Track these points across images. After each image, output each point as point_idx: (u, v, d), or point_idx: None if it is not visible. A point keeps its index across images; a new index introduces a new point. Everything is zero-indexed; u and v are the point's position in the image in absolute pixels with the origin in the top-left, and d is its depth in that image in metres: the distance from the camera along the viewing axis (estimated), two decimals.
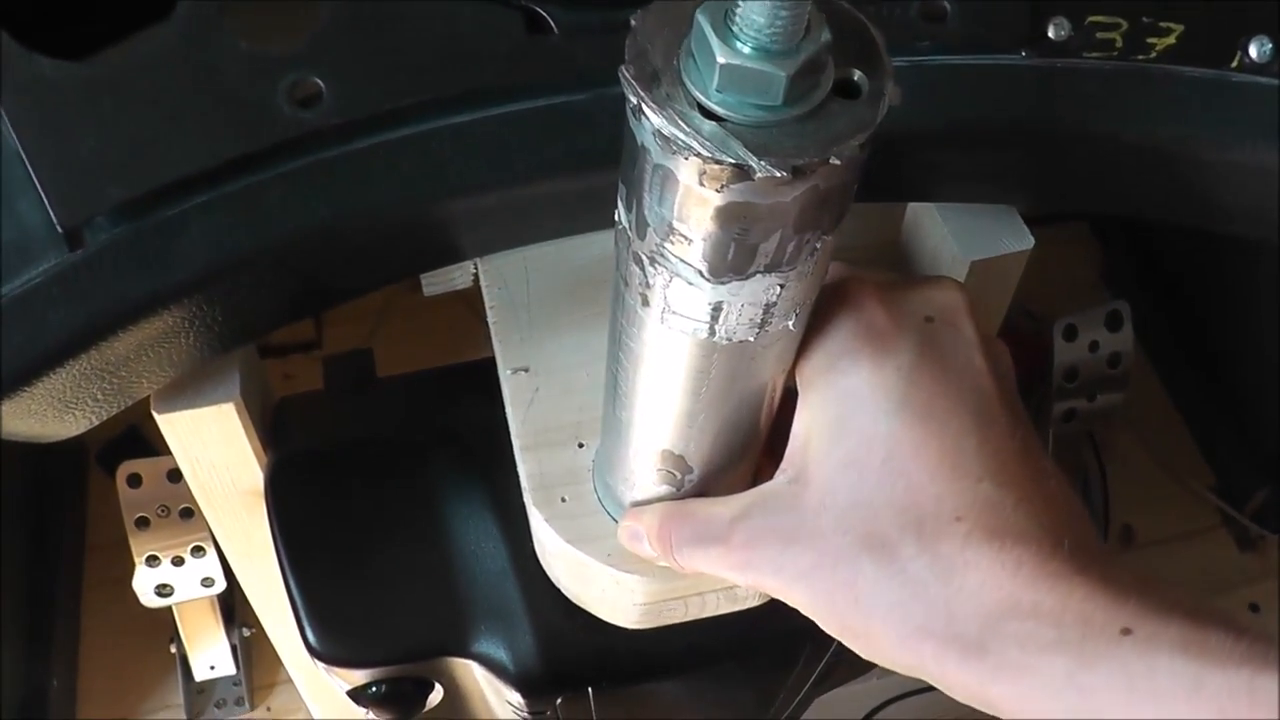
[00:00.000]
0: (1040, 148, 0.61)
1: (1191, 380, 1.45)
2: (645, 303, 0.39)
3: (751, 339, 0.39)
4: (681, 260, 0.35)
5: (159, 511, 1.05)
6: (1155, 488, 1.39)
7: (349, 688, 0.61)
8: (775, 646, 0.62)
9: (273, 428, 0.67)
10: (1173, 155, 0.63)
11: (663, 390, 0.43)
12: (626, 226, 0.37)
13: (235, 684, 1.19)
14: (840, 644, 0.65)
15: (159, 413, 0.62)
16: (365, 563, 0.61)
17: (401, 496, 0.62)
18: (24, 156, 0.49)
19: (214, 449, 0.64)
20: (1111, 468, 1.39)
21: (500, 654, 0.58)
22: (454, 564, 0.60)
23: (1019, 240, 0.72)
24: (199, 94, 0.49)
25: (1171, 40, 0.60)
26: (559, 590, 0.58)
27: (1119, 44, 0.60)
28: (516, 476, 0.61)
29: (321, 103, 0.50)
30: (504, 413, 0.62)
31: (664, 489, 0.50)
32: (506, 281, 0.62)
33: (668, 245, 0.35)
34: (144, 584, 1.06)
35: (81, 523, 1.30)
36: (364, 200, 0.52)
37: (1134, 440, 1.41)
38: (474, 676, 0.61)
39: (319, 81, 0.50)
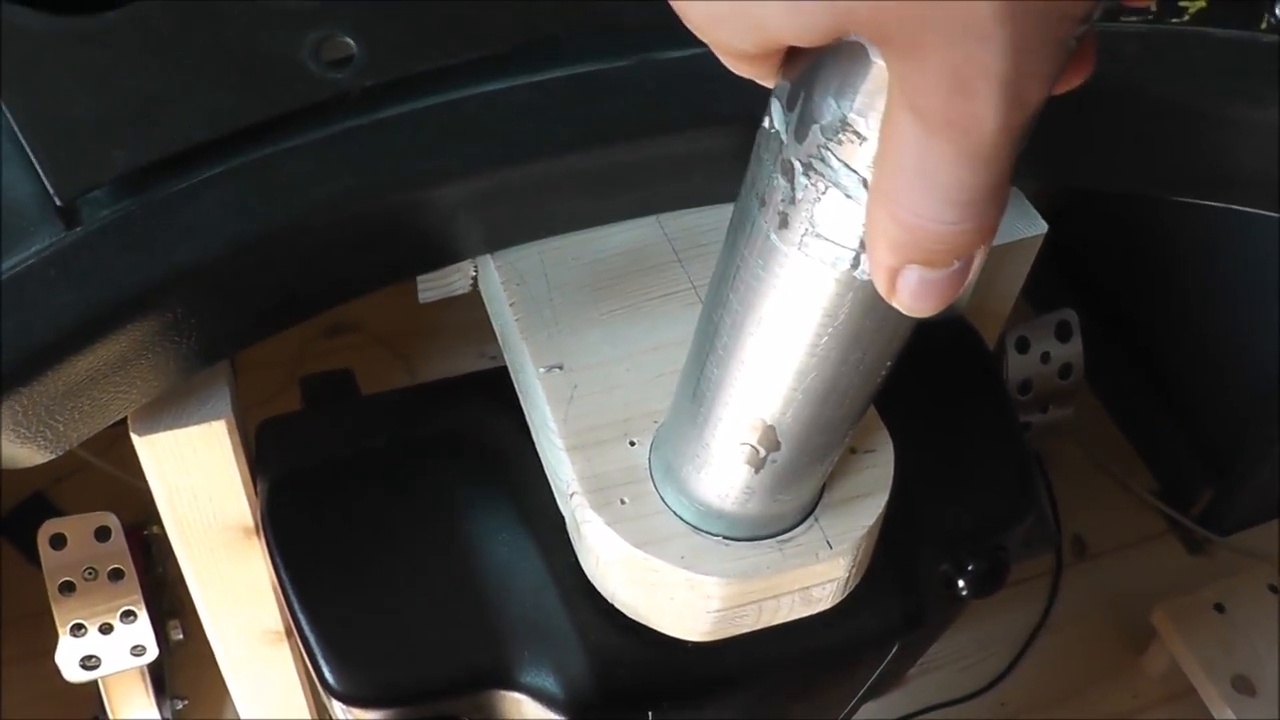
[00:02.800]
0: (1085, 113, 0.58)
1: (1128, 389, 1.45)
2: (783, 224, 0.34)
3: None
4: (845, 165, 0.31)
5: (85, 574, 0.95)
6: (1101, 497, 1.39)
7: None
8: (837, 653, 0.57)
9: (256, 451, 0.60)
10: (1201, 115, 0.62)
11: (774, 338, 0.38)
12: (781, 129, 0.33)
13: None
14: (896, 649, 0.62)
15: (139, 434, 0.55)
16: (385, 589, 0.54)
17: (417, 514, 0.56)
18: (11, 120, 0.43)
19: (199, 475, 0.57)
20: (1056, 479, 1.38)
21: (548, 682, 0.52)
22: (485, 585, 0.54)
23: (1031, 225, 0.71)
24: (213, 50, 0.44)
25: (1203, 3, 0.59)
26: (607, 606, 0.53)
27: (1154, 8, 0.59)
28: (542, 487, 0.55)
29: (352, 63, 0.45)
30: (521, 418, 0.57)
31: (743, 471, 0.45)
32: (524, 278, 0.57)
33: (833, 146, 0.31)
34: (68, 657, 0.96)
35: None
36: (402, 171, 0.47)
37: (1076, 451, 1.41)
38: (510, 710, 0.55)
39: (349, 40, 0.44)
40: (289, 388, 1.24)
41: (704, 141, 0.52)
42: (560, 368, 0.54)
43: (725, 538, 0.49)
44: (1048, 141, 0.63)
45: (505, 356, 0.58)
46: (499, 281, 0.57)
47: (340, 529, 0.56)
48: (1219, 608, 1.19)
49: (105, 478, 1.13)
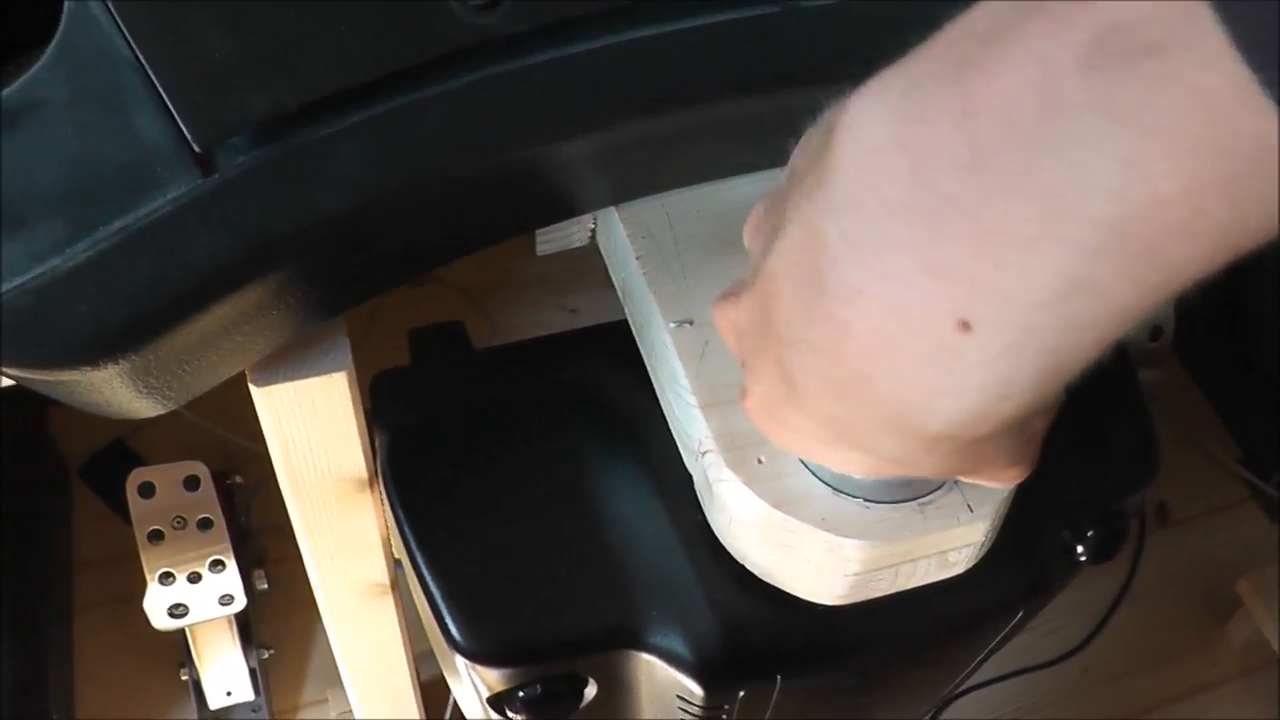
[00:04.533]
0: None
1: (1213, 354, 1.42)
2: None
3: None
4: None
5: (175, 523, 0.96)
6: (1184, 464, 1.36)
7: (489, 694, 0.54)
8: (965, 619, 0.56)
9: (373, 404, 0.59)
10: None
11: None
12: None
13: (255, 710, 1.10)
14: (1020, 615, 0.60)
15: (258, 385, 0.54)
16: (509, 545, 0.53)
17: (539, 469, 0.55)
18: (144, 63, 0.41)
19: (316, 426, 0.57)
20: None
21: (676, 643, 0.51)
22: (610, 543, 0.53)
23: None
24: None
25: None
26: (736, 567, 0.52)
27: None
28: (664, 443, 0.54)
29: (501, 6, 0.43)
30: (641, 375, 0.56)
31: None
32: (650, 231, 0.55)
33: None
34: (156, 604, 0.97)
35: (68, 543, 1.20)
36: (544, 120, 0.45)
37: (1160, 417, 1.38)
38: (636, 669, 0.54)
39: None
40: (370, 335, 1.25)
41: (849, 93, 0.50)
42: (691, 323, 0.52)
43: (866, 500, 0.48)
44: None
45: (627, 311, 0.57)
46: (624, 234, 0.55)
47: (462, 483, 0.55)
48: None
49: (186, 425, 1.13)
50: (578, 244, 0.60)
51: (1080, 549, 0.62)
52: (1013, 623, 0.58)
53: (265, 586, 1.10)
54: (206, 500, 0.95)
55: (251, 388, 0.55)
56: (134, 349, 0.43)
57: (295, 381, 0.54)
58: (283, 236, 0.43)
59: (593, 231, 0.60)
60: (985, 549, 0.52)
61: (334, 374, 0.54)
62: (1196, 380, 1.44)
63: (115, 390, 0.46)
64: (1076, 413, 0.63)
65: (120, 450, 1.23)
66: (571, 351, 0.61)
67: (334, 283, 0.49)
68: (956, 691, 1.12)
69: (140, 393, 0.47)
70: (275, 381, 0.54)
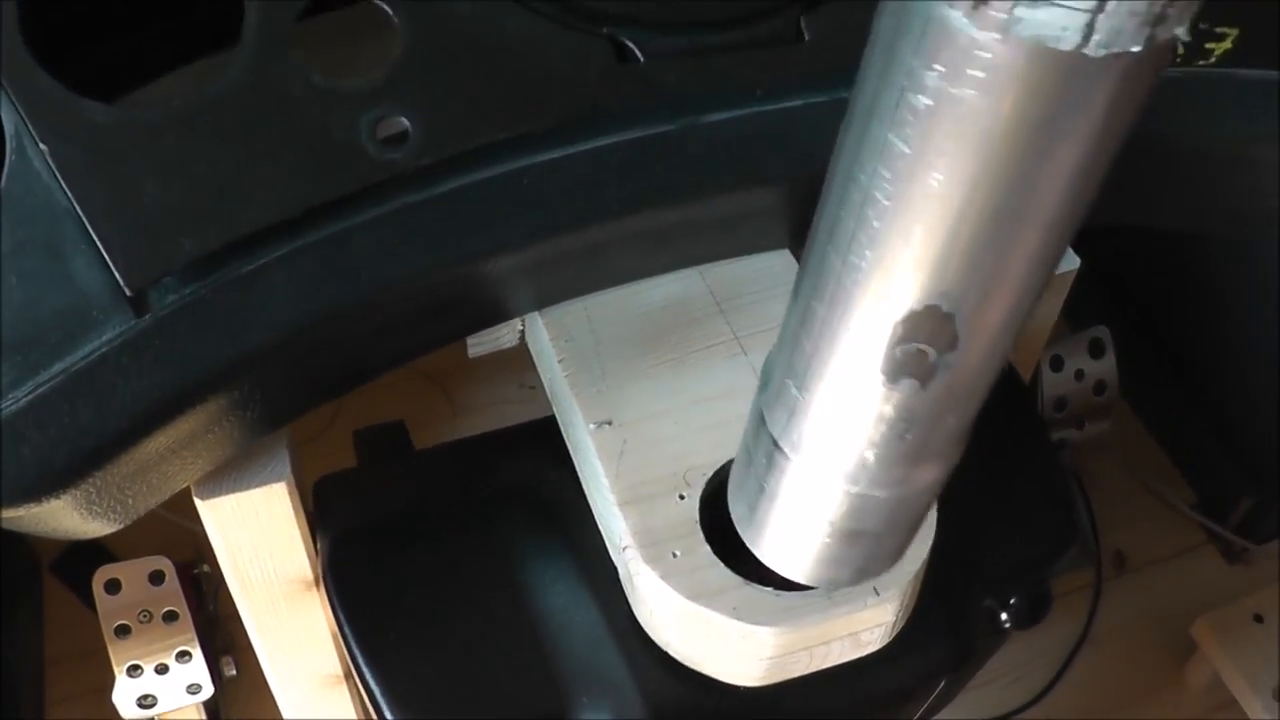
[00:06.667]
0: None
1: (1163, 401, 1.45)
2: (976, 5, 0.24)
3: (1137, 48, 0.24)
4: None
5: (140, 617, 0.98)
6: (1139, 511, 1.39)
7: None
8: (887, 692, 0.58)
9: (316, 508, 0.62)
10: (1226, 159, 0.63)
11: (969, 176, 0.27)
12: None
13: None
14: (945, 683, 0.63)
15: (202, 499, 0.57)
16: (447, 640, 0.56)
17: (474, 565, 0.58)
18: (79, 212, 0.44)
19: (260, 534, 0.59)
20: (1094, 494, 1.38)
21: None
22: (543, 633, 0.56)
23: (1065, 261, 0.71)
24: (274, 135, 0.45)
25: (1228, 45, 0.60)
26: (662, 653, 0.54)
27: (1180, 51, 0.59)
28: (593, 536, 0.57)
29: (408, 142, 0.46)
30: (572, 471, 0.59)
31: (900, 387, 0.34)
32: (572, 334, 0.58)
33: None
34: (125, 696, 0.99)
35: (39, 638, 1.21)
36: (461, 245, 0.48)
37: (1113, 465, 1.42)
38: None
39: (404, 119, 0.46)
40: (334, 424, 1.27)
41: (750, 201, 0.54)
42: (610, 423, 0.55)
43: (776, 589, 0.50)
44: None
45: (555, 410, 0.60)
46: (548, 339, 0.58)
47: (401, 582, 0.57)
48: (1258, 618, 1.19)
49: (155, 519, 1.15)
50: (507, 345, 0.63)
51: (1005, 617, 0.65)
52: (936, 692, 0.61)
53: (234, 673, 1.12)
54: (171, 594, 0.97)
55: (196, 500, 0.57)
56: (75, 484, 0.45)
57: (238, 494, 0.57)
58: (214, 370, 0.46)
59: (521, 333, 0.63)
60: (899, 627, 0.55)
61: (274, 484, 0.57)
62: (1149, 428, 1.47)
63: (60, 519, 0.48)
64: (995, 483, 0.66)
65: (90, 545, 1.24)
66: (508, 449, 0.63)
67: (271, 404, 0.51)
68: None
69: (85, 518, 0.50)
70: (218, 494, 0.57)
